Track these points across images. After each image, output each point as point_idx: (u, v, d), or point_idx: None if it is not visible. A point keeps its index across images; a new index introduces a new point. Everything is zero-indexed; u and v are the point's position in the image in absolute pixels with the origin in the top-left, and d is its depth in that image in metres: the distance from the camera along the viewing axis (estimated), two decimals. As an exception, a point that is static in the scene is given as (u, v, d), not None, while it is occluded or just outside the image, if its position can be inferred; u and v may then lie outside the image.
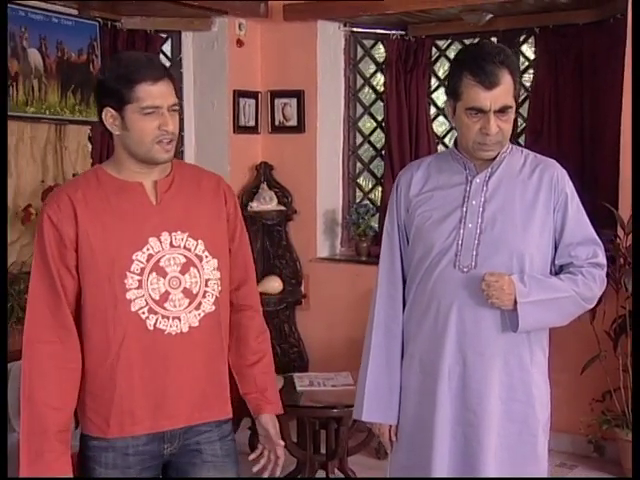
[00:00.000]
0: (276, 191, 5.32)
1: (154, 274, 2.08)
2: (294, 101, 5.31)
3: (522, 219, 2.42)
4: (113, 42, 5.02)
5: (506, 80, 2.34)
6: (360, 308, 4.97)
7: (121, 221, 2.08)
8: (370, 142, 5.66)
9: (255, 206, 5.17)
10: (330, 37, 5.34)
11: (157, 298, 2.08)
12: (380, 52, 5.65)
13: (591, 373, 4.40)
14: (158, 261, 2.09)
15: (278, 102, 5.37)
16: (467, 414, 2.41)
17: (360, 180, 5.71)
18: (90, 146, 4.95)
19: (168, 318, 2.09)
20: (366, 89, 5.64)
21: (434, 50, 5.47)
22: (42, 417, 2.03)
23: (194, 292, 2.12)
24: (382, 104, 5.52)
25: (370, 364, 2.53)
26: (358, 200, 5.61)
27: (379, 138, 5.66)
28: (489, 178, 2.46)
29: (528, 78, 5.20)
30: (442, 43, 5.49)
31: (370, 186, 5.72)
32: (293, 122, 5.34)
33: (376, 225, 5.43)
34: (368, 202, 5.60)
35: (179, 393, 2.12)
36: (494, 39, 5.24)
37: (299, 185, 5.35)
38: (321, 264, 5.35)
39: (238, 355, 2.30)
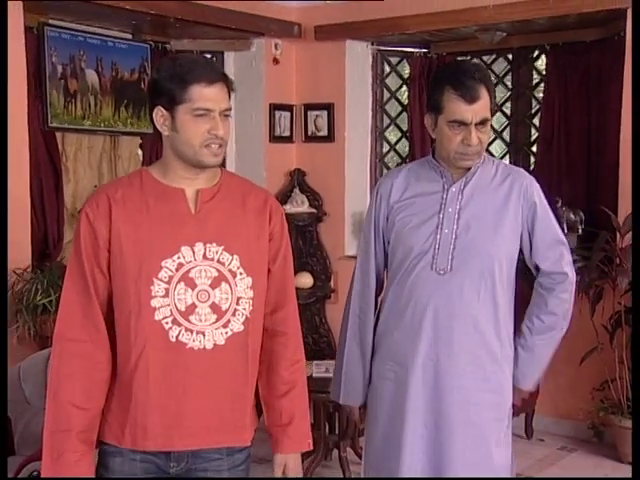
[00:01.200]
0: (308, 195, 5.59)
1: (182, 284, 1.90)
2: (325, 113, 5.58)
3: (494, 225, 2.48)
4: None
5: (484, 95, 2.39)
6: (382, 302, 5.26)
7: (156, 226, 1.92)
8: (396, 150, 5.89)
9: (288, 208, 5.45)
10: (358, 55, 5.59)
11: (183, 309, 1.91)
12: (406, 68, 5.88)
13: (591, 364, 4.56)
14: (188, 271, 1.91)
15: (311, 114, 5.64)
16: (440, 405, 2.46)
17: (387, 185, 5.94)
18: (141, 155, 5.32)
19: (192, 332, 1.91)
20: (392, 102, 5.87)
21: (455, 66, 5.70)
22: (66, 416, 1.90)
23: (223, 309, 1.93)
24: (407, 116, 5.76)
25: (346, 354, 2.62)
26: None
27: (404, 147, 5.88)
28: (464, 187, 2.50)
29: (540, 91, 5.39)
30: (461, 59, 5.70)
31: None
32: (324, 132, 5.60)
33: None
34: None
35: (195, 413, 1.94)
36: (509, 55, 5.47)
37: (329, 189, 5.61)
38: (349, 262, 5.57)
39: (268, 384, 2.07)
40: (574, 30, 5.09)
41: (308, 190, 5.62)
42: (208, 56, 5.59)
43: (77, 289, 1.93)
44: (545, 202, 2.59)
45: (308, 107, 5.64)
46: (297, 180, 5.62)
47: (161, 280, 1.90)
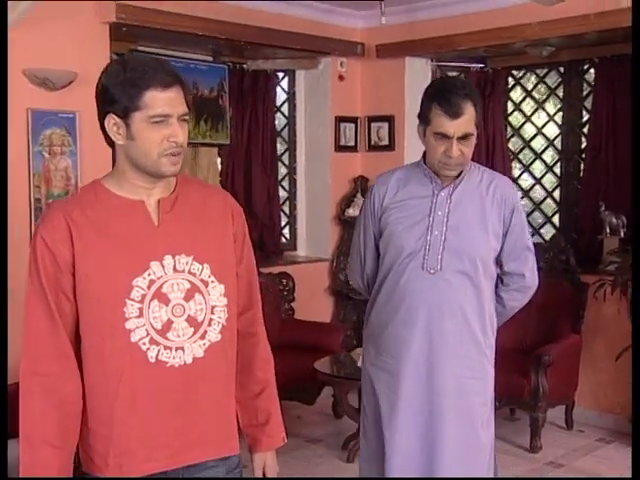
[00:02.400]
0: (370, 200, 5.79)
1: (156, 301, 1.73)
2: (386, 124, 5.78)
3: (478, 228, 2.58)
4: (240, 80, 5.70)
5: (469, 111, 2.45)
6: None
7: (120, 244, 1.73)
8: (454, 159, 6.02)
9: (351, 212, 5.68)
10: (417, 70, 5.76)
11: (159, 328, 1.73)
12: (465, 81, 6.01)
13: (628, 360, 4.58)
14: (160, 287, 1.74)
15: (374, 125, 5.85)
16: (432, 393, 2.57)
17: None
18: (219, 163, 5.67)
19: (171, 349, 1.75)
20: (451, 113, 6.00)
21: (511, 79, 5.80)
22: (44, 458, 1.72)
23: (199, 320, 1.78)
24: (464, 126, 5.88)
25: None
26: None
27: (461, 155, 6.00)
28: (452, 192, 2.59)
29: (589, 102, 5.41)
30: (517, 73, 5.78)
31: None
32: (385, 142, 5.81)
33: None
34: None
35: (182, 430, 1.78)
36: (561, 68, 5.52)
37: (389, 195, 5.80)
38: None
39: (242, 385, 1.95)
40: (622, 43, 5.09)
41: (371, 195, 5.82)
42: (280, 74, 5.93)
43: (41, 318, 1.73)
44: (522, 209, 2.70)
45: (371, 119, 5.86)
46: (360, 186, 5.84)
47: (134, 300, 1.71)
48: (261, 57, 5.71)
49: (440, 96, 2.49)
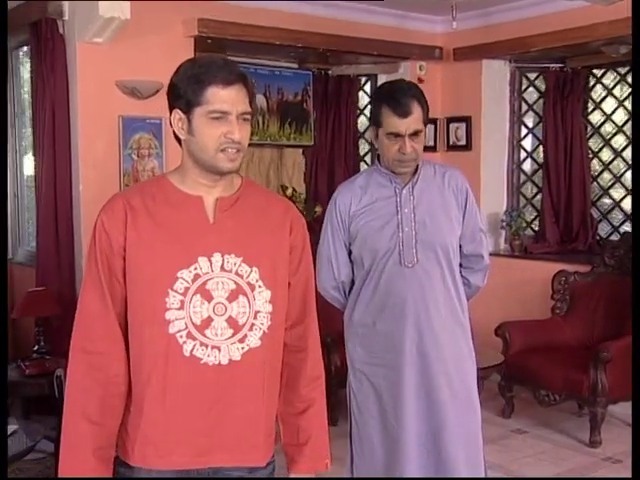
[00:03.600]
0: (447, 197, 5.78)
1: (198, 296, 1.68)
2: (464, 125, 5.75)
3: (443, 217, 2.63)
4: (324, 85, 5.82)
5: (416, 110, 2.51)
6: (513, 295, 5.35)
7: (172, 235, 1.70)
8: (532, 157, 5.90)
9: (427, 209, 5.69)
10: (494, 72, 5.69)
11: (198, 323, 1.68)
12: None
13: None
14: (205, 283, 1.68)
15: (452, 126, 5.83)
16: (428, 378, 2.61)
17: (524, 189, 5.97)
18: (303, 164, 5.82)
19: (207, 346, 1.68)
20: (530, 113, 5.89)
21: (591, 77, 5.61)
22: (82, 432, 1.69)
23: (240, 323, 1.70)
24: (542, 125, 5.75)
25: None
26: (522, 206, 5.88)
27: (539, 154, 5.87)
28: (413, 188, 2.62)
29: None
30: (597, 72, 5.59)
31: (533, 194, 5.96)
32: (463, 142, 5.77)
33: (535, 227, 5.72)
34: (532, 208, 5.87)
35: (209, 431, 1.70)
36: (640, 66, 5.29)
37: (466, 193, 5.76)
38: (483, 257, 5.72)
39: (285, 401, 1.84)
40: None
41: (448, 193, 5.80)
42: (363, 79, 6.00)
43: (94, 298, 1.71)
44: (472, 195, 2.73)
45: (450, 120, 5.83)
46: (437, 184, 5.82)
47: (176, 292, 1.67)
48: (345, 63, 5.82)
49: (389, 98, 2.54)
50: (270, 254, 1.75)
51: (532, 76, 5.85)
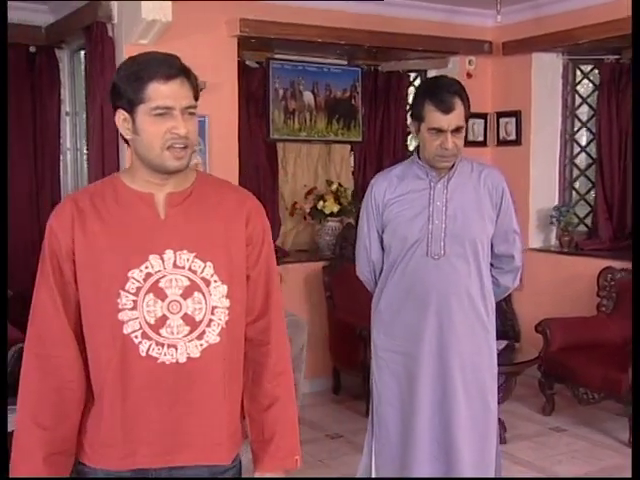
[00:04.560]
0: (495, 193, 5.69)
1: (151, 295, 1.63)
2: (513, 120, 5.65)
3: (475, 214, 2.66)
4: (374, 81, 5.84)
5: (459, 106, 2.55)
6: (561, 291, 5.25)
7: (122, 235, 1.65)
8: (586, 152, 5.74)
9: (475, 205, 5.63)
10: (546, 65, 5.56)
11: (152, 322, 1.63)
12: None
13: None
14: (157, 281, 1.63)
15: (502, 121, 5.74)
16: (444, 370, 2.64)
17: (578, 184, 5.82)
18: (352, 160, 5.85)
19: (163, 345, 1.63)
20: (584, 107, 5.73)
21: (648, 69, 5.42)
22: (33, 437, 1.65)
23: (197, 320, 1.65)
24: (596, 119, 5.58)
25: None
26: (575, 201, 5.74)
27: (593, 148, 5.70)
28: (447, 183, 2.66)
29: None
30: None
31: (586, 189, 5.80)
32: (513, 137, 5.67)
33: (588, 223, 5.57)
34: (585, 203, 5.72)
35: (169, 430, 1.66)
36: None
37: (515, 187, 5.60)
38: (533, 254, 5.60)
39: (251, 397, 1.79)
40: None
41: (496, 189, 5.72)
42: (412, 75, 5.98)
43: (46, 303, 1.67)
44: (509, 195, 2.73)
45: (500, 114, 5.74)
46: (486, 180, 5.74)
47: (128, 292, 1.63)
48: (394, 59, 5.81)
49: (432, 94, 2.58)
50: (225, 248, 1.69)
51: (587, 68, 5.69)
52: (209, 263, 1.67)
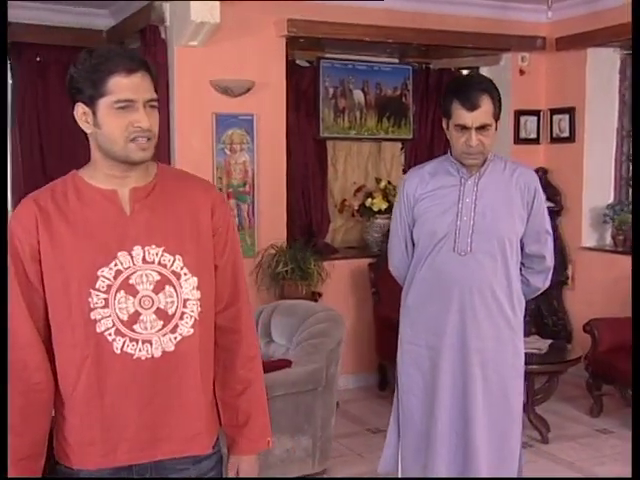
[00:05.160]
0: (547, 191, 5.58)
1: (122, 292, 1.63)
2: (567, 117, 5.54)
3: (504, 212, 2.65)
4: (425, 79, 5.82)
5: (485, 103, 2.53)
6: (614, 291, 5.14)
7: (88, 233, 1.64)
8: (644, 149, 5.59)
9: (527, 203, 5.55)
10: (603, 60, 5.43)
11: (125, 319, 1.63)
12: (659, 69, 5.54)
13: None
14: (128, 278, 1.63)
15: (555, 118, 5.63)
16: (465, 366, 2.64)
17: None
18: (402, 158, 5.85)
19: (137, 341, 1.64)
20: (642, 102, 5.58)
21: None
22: (5, 444, 1.64)
23: (169, 313, 1.66)
24: (655, 115, 5.43)
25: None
26: (630, 200, 5.59)
27: (651, 145, 5.55)
28: (478, 181, 2.66)
29: None
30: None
31: (644, 187, 5.64)
32: (566, 134, 5.56)
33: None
34: (642, 201, 5.56)
35: (148, 425, 1.68)
36: None
37: (569, 186, 5.56)
38: (586, 252, 5.50)
39: (223, 384, 1.80)
40: None
41: (549, 186, 5.63)
42: (465, 72, 5.93)
43: (12, 307, 1.66)
44: (542, 195, 2.70)
45: (553, 111, 5.64)
46: (540, 178, 5.64)
47: (99, 290, 1.62)
48: (446, 57, 5.78)
49: (458, 91, 2.59)
50: (193, 240, 1.70)
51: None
52: (178, 256, 1.67)
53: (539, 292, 2.86)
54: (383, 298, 5.01)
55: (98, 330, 1.63)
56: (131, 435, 1.67)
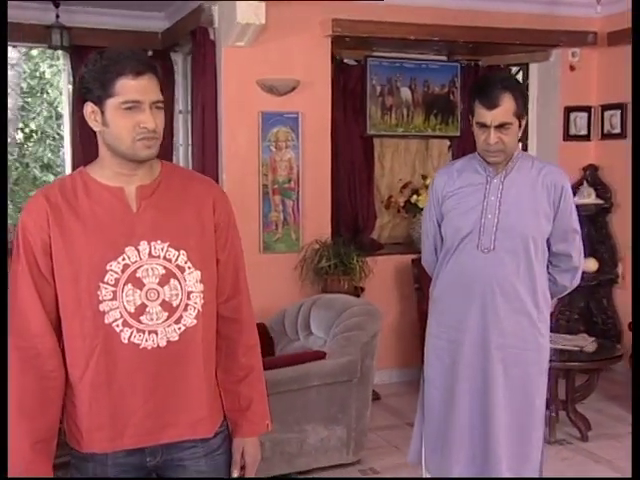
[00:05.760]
0: (598, 188, 5.51)
1: (130, 285, 1.71)
2: (618, 112, 5.44)
3: (529, 212, 2.65)
4: (474, 76, 5.80)
5: (506, 102, 2.53)
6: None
7: (96, 229, 1.72)
8: (699, 145, 5.44)
9: (575, 200, 5.44)
10: (655, 55, 5.32)
11: (132, 311, 1.72)
12: None
13: None
14: (135, 272, 1.72)
15: (607, 114, 5.53)
16: (486, 363, 2.66)
17: (689, 179, 5.52)
18: (450, 154, 5.85)
19: (144, 332, 1.73)
20: (697, 98, 5.43)
21: None
22: (19, 427, 1.72)
23: (174, 305, 1.75)
24: None
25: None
26: (684, 196, 5.46)
27: None
28: (504, 179, 2.67)
29: None
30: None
31: (699, 184, 5.49)
32: (617, 130, 5.47)
33: (698, 219, 5.28)
34: (697, 198, 5.42)
35: (155, 411, 1.76)
36: None
37: (619, 183, 5.46)
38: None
39: (225, 370, 1.89)
40: None
41: (599, 183, 5.54)
42: (514, 69, 5.89)
43: (25, 298, 1.73)
44: (570, 194, 2.68)
45: (604, 107, 5.55)
46: (588, 174, 5.57)
47: (107, 283, 1.71)
48: (495, 53, 5.75)
49: (479, 89, 2.63)
50: (196, 235, 1.78)
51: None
52: (182, 251, 1.76)
53: (567, 291, 2.85)
54: (426, 293, 5.01)
55: (106, 321, 1.72)
56: (137, 421, 1.76)
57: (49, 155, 9.82)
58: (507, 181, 2.69)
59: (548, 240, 2.72)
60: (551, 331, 5.25)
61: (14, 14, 5.02)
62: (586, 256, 5.46)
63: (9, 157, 9.77)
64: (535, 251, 2.67)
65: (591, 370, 4.16)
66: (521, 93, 2.62)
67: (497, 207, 2.67)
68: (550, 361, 3.96)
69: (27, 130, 10.13)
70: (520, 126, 2.62)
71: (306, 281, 4.82)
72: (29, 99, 10.09)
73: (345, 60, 5.43)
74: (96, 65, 1.70)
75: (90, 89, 1.70)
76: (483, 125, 2.59)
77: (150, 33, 5.48)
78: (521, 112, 2.60)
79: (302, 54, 4.78)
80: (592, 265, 5.46)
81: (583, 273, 5.41)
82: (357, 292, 4.74)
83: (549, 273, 2.77)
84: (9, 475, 1.72)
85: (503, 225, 2.66)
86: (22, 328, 1.74)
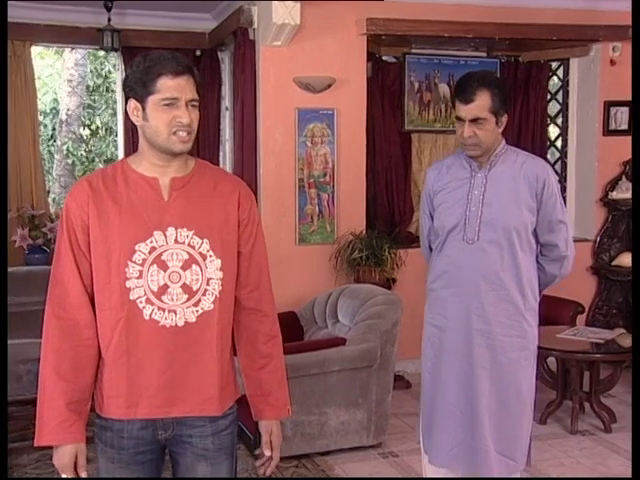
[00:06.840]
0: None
1: (155, 266, 1.86)
2: (659, 107, 5.38)
3: (511, 204, 2.72)
4: (514, 71, 5.82)
5: (481, 98, 2.61)
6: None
7: (130, 213, 1.88)
8: None
9: (614, 195, 5.44)
10: (697, 49, 5.23)
11: (155, 290, 1.86)
12: None
13: None
14: (160, 255, 1.87)
15: (648, 109, 5.48)
16: (470, 348, 2.75)
17: None
18: (488, 149, 5.88)
19: (164, 310, 1.87)
20: None
21: None
22: (55, 387, 1.88)
23: (194, 289, 1.89)
24: None
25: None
26: None
27: None
28: (488, 172, 2.75)
29: None
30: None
31: None
32: (658, 125, 5.40)
33: None
34: None
35: (168, 385, 1.90)
36: None
37: (659, 178, 5.40)
38: (676, 246, 5.33)
39: (247, 358, 2.05)
40: None
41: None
42: (554, 64, 5.87)
43: (66, 271, 1.90)
44: (554, 186, 2.72)
45: (645, 102, 5.49)
46: (627, 169, 5.52)
47: (135, 262, 1.86)
48: (535, 49, 5.75)
49: (458, 85, 2.72)
50: (220, 227, 1.92)
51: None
52: (206, 240, 1.90)
53: (557, 279, 2.89)
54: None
55: (131, 297, 1.87)
56: (152, 393, 1.90)
57: (112, 150, 10.22)
58: (490, 175, 2.76)
59: (535, 231, 2.78)
60: (586, 325, 5.26)
61: (69, 18, 5.37)
62: (625, 251, 5.52)
63: (77, 153, 10.25)
64: (519, 242, 2.73)
65: (615, 362, 4.17)
66: (500, 90, 2.68)
67: (480, 200, 2.75)
68: (572, 352, 4.09)
69: (93, 127, 10.57)
70: (498, 123, 2.68)
71: (340, 272, 4.95)
72: (95, 96, 10.52)
73: (384, 57, 5.53)
74: (140, 66, 1.88)
75: (133, 87, 1.88)
76: (459, 119, 2.69)
77: (198, 33, 5.69)
78: (498, 109, 2.66)
79: (338, 53, 4.91)
80: (627, 260, 5.41)
81: (620, 268, 5.46)
82: (389, 283, 4.85)
83: (539, 262, 2.84)
84: (40, 432, 1.88)
85: (486, 217, 2.74)
86: (62, 298, 1.90)
